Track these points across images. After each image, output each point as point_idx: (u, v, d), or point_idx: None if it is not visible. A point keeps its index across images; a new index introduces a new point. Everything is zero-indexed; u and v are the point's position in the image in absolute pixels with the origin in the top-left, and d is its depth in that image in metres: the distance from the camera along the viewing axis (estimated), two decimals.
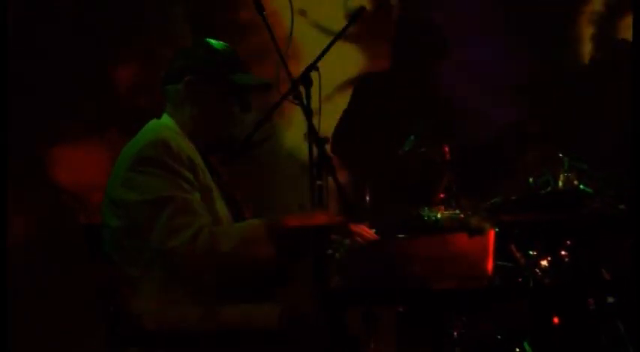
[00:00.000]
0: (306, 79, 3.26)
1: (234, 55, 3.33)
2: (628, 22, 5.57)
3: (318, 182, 3.11)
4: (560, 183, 3.35)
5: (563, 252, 3.19)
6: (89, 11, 5.23)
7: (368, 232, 3.19)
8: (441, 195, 3.62)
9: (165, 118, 3.32)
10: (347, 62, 5.53)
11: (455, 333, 3.37)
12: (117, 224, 3.14)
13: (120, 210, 3.14)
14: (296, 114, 3.38)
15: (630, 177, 3.19)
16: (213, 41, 3.35)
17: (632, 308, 3.00)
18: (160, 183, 3.10)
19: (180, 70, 3.30)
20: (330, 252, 3.04)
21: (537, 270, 3.19)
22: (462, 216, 3.15)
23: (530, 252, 3.22)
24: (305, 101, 3.24)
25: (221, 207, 3.23)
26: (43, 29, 5.22)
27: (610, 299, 3.21)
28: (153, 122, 3.34)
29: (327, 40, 3.37)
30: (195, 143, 3.27)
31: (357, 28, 4.50)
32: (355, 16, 3.40)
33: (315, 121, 3.21)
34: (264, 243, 3.06)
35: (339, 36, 3.39)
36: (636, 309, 2.96)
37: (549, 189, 3.34)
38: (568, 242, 3.19)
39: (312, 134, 3.16)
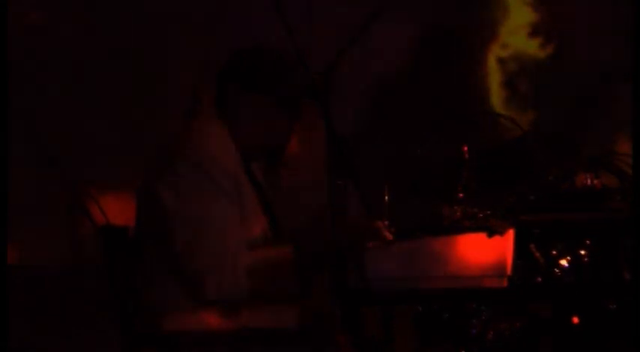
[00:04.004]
0: (325, 79, 3.25)
1: (284, 64, 3.30)
2: None
3: (339, 181, 3.10)
4: (579, 182, 3.34)
5: (583, 252, 3.18)
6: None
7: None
8: (460, 195, 3.61)
9: (214, 119, 3.29)
10: None
11: (474, 332, 3.36)
12: (147, 215, 3.14)
13: (152, 202, 3.12)
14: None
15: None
16: (264, 49, 3.32)
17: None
18: (200, 199, 3.09)
19: (228, 76, 3.28)
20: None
21: (557, 270, 3.18)
22: (481, 215, 3.14)
23: (550, 252, 3.21)
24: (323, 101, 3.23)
25: (258, 218, 3.22)
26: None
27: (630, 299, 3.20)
28: (201, 120, 3.32)
29: None
30: (240, 149, 3.25)
31: None
32: (374, 15, 3.38)
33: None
34: (291, 276, 3.11)
35: (359, 35, 3.37)
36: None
37: (568, 187, 3.33)
38: (588, 241, 3.17)
39: (331, 133, 3.15)
